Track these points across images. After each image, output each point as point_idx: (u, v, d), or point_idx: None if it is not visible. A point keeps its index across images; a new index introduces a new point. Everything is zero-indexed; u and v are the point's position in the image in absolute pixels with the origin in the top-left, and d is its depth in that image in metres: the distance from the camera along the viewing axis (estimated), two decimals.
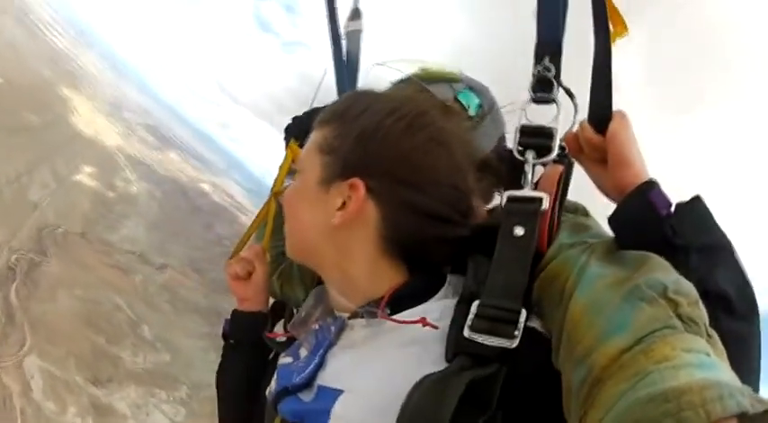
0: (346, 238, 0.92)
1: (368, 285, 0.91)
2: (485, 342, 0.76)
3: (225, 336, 1.28)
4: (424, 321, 0.80)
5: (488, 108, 1.25)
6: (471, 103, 1.23)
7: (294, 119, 1.43)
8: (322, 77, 1.55)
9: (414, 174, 0.90)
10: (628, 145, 0.93)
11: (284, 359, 1.00)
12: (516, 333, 0.75)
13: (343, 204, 0.90)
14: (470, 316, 0.79)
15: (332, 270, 0.95)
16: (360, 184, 0.89)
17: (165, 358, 41.03)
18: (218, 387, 1.26)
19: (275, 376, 0.99)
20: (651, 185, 0.88)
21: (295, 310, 1.11)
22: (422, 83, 1.23)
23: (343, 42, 1.53)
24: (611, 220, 0.90)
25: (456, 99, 1.22)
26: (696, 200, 0.87)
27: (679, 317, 0.63)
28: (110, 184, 62.26)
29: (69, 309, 36.68)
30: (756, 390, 0.63)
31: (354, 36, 1.55)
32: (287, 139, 1.42)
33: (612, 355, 0.62)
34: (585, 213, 1.04)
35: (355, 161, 0.91)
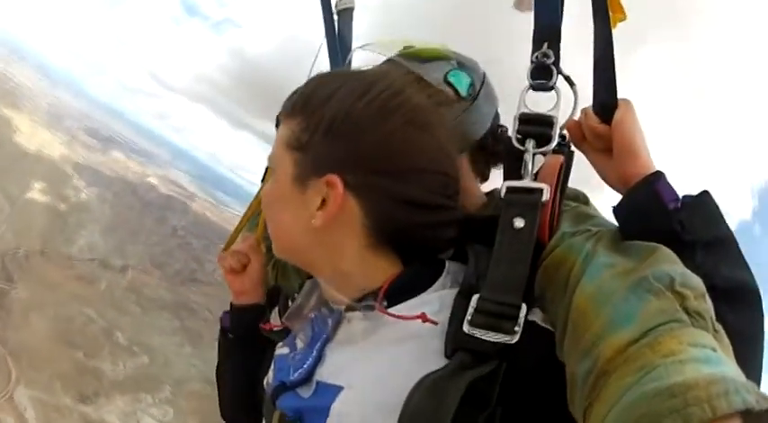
0: (332, 236, 0.86)
1: (362, 279, 0.86)
2: (485, 338, 0.74)
3: (223, 330, 1.26)
4: (423, 317, 0.77)
5: (479, 85, 1.20)
6: (462, 83, 1.17)
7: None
8: (317, 54, 1.47)
9: (393, 162, 0.84)
10: (634, 134, 0.91)
11: (281, 349, 0.98)
12: (516, 329, 0.74)
13: (322, 203, 0.84)
14: (470, 310, 0.77)
15: (323, 268, 0.90)
16: (336, 180, 0.82)
17: (143, 361, 43.99)
18: (218, 381, 1.28)
19: (272, 367, 0.97)
20: (658, 177, 0.87)
21: (290, 301, 1.04)
22: (407, 63, 1.19)
23: (335, 20, 1.51)
24: (617, 211, 0.89)
25: (446, 80, 1.17)
26: (705, 194, 0.86)
27: (686, 310, 0.62)
28: (61, 196, 63.32)
29: (45, 331, 39.63)
30: (759, 385, 0.64)
31: (346, 14, 1.52)
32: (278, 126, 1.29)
33: (618, 348, 0.61)
34: (586, 201, 1.05)
35: (328, 155, 0.84)
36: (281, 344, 0.99)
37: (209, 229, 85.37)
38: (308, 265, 0.93)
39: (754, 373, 0.76)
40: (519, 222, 0.81)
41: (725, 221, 0.86)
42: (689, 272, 0.68)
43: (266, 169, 1.24)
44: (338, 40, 1.48)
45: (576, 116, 0.97)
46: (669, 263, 0.70)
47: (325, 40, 1.47)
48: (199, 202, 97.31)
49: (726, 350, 0.61)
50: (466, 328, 0.75)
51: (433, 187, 0.86)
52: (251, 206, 1.35)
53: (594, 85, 0.95)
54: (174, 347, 49.97)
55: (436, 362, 0.74)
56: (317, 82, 0.92)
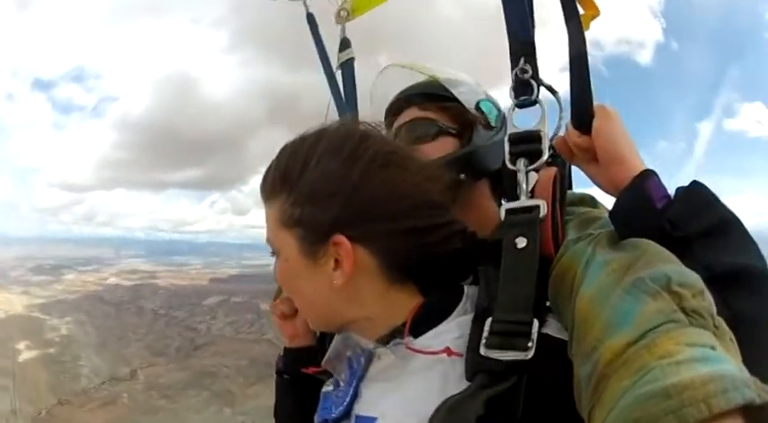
0: (355, 288, 0.89)
1: (386, 319, 0.90)
2: (500, 357, 0.76)
3: (279, 372, 1.30)
4: (448, 351, 0.81)
5: (502, 117, 1.25)
6: (492, 112, 1.24)
7: None
8: (327, 112, 1.53)
9: (383, 205, 0.88)
10: (615, 139, 0.91)
11: (326, 387, 1.02)
12: (530, 344, 0.76)
13: (336, 263, 0.88)
14: (485, 334, 0.80)
15: (355, 320, 0.93)
16: (341, 238, 0.86)
17: None
18: (276, 420, 1.33)
19: (319, 405, 1.01)
20: (645, 177, 0.88)
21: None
22: (446, 88, 1.25)
23: (338, 74, 1.55)
24: (612, 217, 0.90)
25: (477, 107, 1.23)
26: (695, 184, 0.87)
27: (683, 310, 0.62)
28: (45, 343, 65.78)
29: None
30: None
31: (348, 65, 1.58)
32: None
33: (616, 350, 0.61)
34: (594, 204, 1.06)
35: (324, 221, 0.87)
36: (327, 382, 1.03)
37: (183, 295, 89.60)
38: (343, 326, 0.95)
39: (766, 360, 0.73)
40: (521, 242, 0.83)
41: (722, 205, 0.85)
42: (686, 270, 0.68)
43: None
44: (344, 89, 1.56)
45: (564, 124, 0.99)
46: (664, 262, 0.70)
47: (331, 97, 1.55)
48: (163, 276, 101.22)
49: (727, 346, 0.60)
50: (482, 350, 0.78)
51: (424, 212, 0.90)
52: None
53: (571, 96, 0.96)
54: (216, 416, 55.47)
55: (459, 386, 0.77)
56: (287, 154, 0.94)
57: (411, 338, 0.86)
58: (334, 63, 1.60)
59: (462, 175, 1.15)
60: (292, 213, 0.89)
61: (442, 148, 1.19)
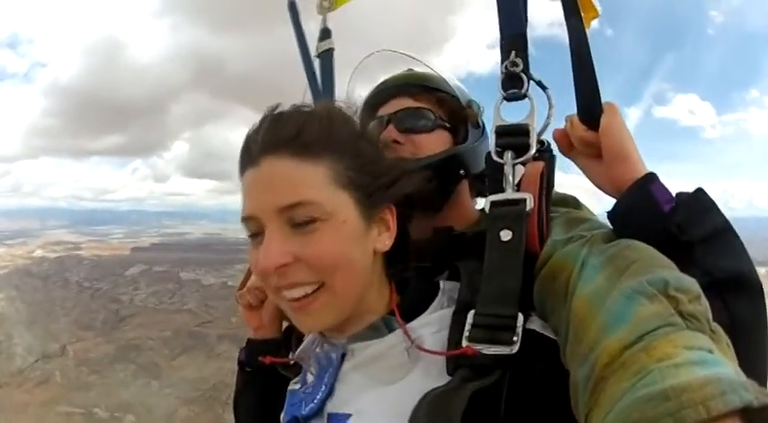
0: (377, 267, 0.91)
1: (371, 310, 0.90)
2: (484, 351, 0.75)
3: (240, 363, 1.30)
4: (469, 350, 0.77)
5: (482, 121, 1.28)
6: (479, 111, 1.27)
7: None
8: (303, 96, 1.49)
9: (400, 188, 0.92)
10: (623, 138, 0.90)
11: (293, 385, 1.00)
12: (515, 339, 0.75)
13: (383, 229, 0.90)
14: (467, 326, 0.78)
15: (356, 304, 0.89)
16: (392, 206, 0.91)
17: (131, 420, 53.80)
18: (235, 411, 1.32)
19: (286, 403, 0.99)
20: (651, 179, 0.87)
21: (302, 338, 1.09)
22: (445, 81, 1.28)
23: (316, 63, 1.53)
24: (612, 216, 0.89)
25: (469, 105, 1.27)
26: (699, 191, 0.86)
27: (680, 314, 0.62)
28: None
29: None
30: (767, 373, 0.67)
31: (327, 56, 1.56)
32: None
33: (614, 352, 0.61)
34: (576, 204, 1.06)
35: (380, 187, 0.89)
36: (294, 380, 1.02)
37: (107, 266, 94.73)
38: (351, 312, 0.90)
39: (761, 363, 0.78)
40: (506, 235, 0.83)
41: (719, 212, 0.85)
42: (683, 275, 0.68)
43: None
44: (322, 79, 1.51)
45: (553, 120, 0.97)
46: (661, 267, 0.70)
47: (307, 85, 1.50)
48: (86, 247, 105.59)
49: (724, 350, 0.61)
50: (465, 344, 0.77)
51: (413, 180, 0.94)
52: None
53: (576, 92, 0.94)
54: (144, 389, 59.81)
55: (438, 380, 0.76)
56: (325, 116, 0.91)
57: (396, 327, 0.87)
58: (313, 52, 1.56)
59: (462, 171, 1.19)
60: (349, 176, 0.87)
61: (437, 140, 1.22)
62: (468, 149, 1.20)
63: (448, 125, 1.23)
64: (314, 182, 0.84)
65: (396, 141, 1.16)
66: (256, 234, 0.86)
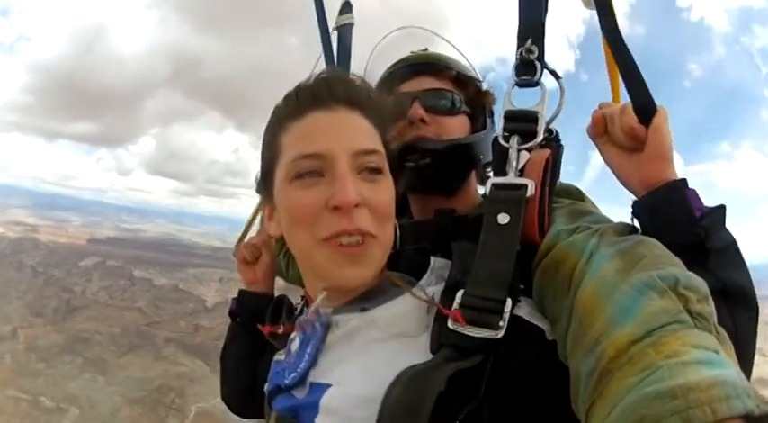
0: None
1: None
2: (469, 333, 0.75)
3: (231, 314, 1.32)
4: (458, 314, 0.77)
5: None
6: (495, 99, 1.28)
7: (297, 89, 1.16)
8: (315, 66, 1.47)
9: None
10: (670, 140, 0.91)
11: (278, 356, 1.00)
12: (501, 323, 0.74)
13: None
14: (455, 306, 0.78)
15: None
16: None
17: (75, 413, 56.30)
18: (221, 361, 1.34)
19: (270, 373, 0.99)
20: (686, 184, 0.88)
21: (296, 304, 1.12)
22: (470, 67, 1.30)
23: (334, 36, 1.52)
24: (639, 208, 0.90)
25: (488, 91, 1.29)
26: (721, 207, 0.88)
27: (689, 312, 0.62)
28: None
29: None
30: (749, 376, 0.71)
31: (346, 30, 1.54)
32: None
33: (621, 346, 0.61)
34: (580, 196, 1.05)
35: (394, 164, 0.94)
36: (279, 352, 1.01)
37: (62, 253, 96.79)
38: (382, 266, 0.90)
39: (748, 368, 0.80)
40: (503, 218, 0.82)
41: (728, 229, 0.89)
42: (693, 274, 0.68)
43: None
44: (339, 53, 1.52)
45: (563, 110, 0.97)
46: (672, 264, 0.70)
47: (322, 54, 1.50)
48: (44, 232, 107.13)
49: (728, 352, 0.61)
50: (450, 324, 0.76)
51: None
52: (259, 202, 1.41)
53: (628, 89, 0.95)
54: (89, 384, 61.97)
55: (421, 357, 0.75)
56: (362, 79, 0.97)
57: (379, 302, 0.87)
58: (332, 25, 1.54)
59: (482, 156, 1.20)
60: (388, 149, 0.92)
61: (459, 124, 1.22)
62: (486, 137, 1.21)
63: (468, 109, 1.25)
64: (379, 142, 0.90)
65: (422, 120, 1.18)
66: (312, 173, 0.84)
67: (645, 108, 0.92)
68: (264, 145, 0.95)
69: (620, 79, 0.98)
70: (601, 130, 0.98)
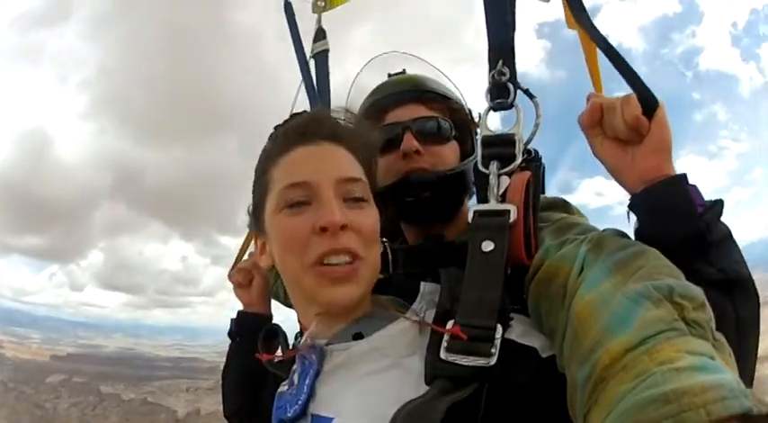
0: None
1: (360, 306, 0.91)
2: (462, 363, 0.75)
3: (230, 335, 1.34)
4: (457, 330, 0.79)
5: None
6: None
7: (277, 128, 1.20)
8: (296, 96, 1.50)
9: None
10: (670, 134, 0.90)
11: (282, 388, 0.99)
12: (493, 350, 0.74)
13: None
14: (445, 336, 0.78)
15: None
16: None
17: None
18: (223, 382, 1.35)
19: (274, 406, 0.98)
20: (687, 180, 0.88)
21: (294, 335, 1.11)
22: (455, 92, 1.29)
23: (311, 63, 1.53)
24: (639, 202, 0.89)
25: (472, 117, 1.29)
26: (720, 201, 0.88)
27: (684, 320, 0.62)
28: None
29: None
30: (755, 366, 0.74)
31: (322, 56, 1.55)
32: None
33: (616, 354, 0.61)
34: (566, 208, 1.06)
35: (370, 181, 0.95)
36: (283, 383, 1.00)
37: (28, 370, 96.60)
38: (369, 289, 0.93)
39: (752, 363, 0.82)
40: (488, 246, 0.83)
41: (723, 222, 0.88)
42: (689, 283, 0.68)
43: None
44: (317, 81, 1.53)
45: (540, 129, 0.98)
46: (668, 275, 0.70)
47: (302, 83, 1.51)
48: (8, 347, 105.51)
49: (726, 360, 0.60)
50: (443, 354, 0.77)
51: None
52: (249, 232, 1.45)
53: (629, 84, 0.93)
54: None
55: (417, 389, 0.76)
56: (347, 111, 1.04)
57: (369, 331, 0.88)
58: (308, 53, 1.55)
59: (474, 182, 1.16)
60: (371, 181, 0.95)
61: (452, 151, 1.23)
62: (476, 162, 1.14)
63: (457, 135, 1.25)
64: (362, 173, 0.94)
65: (417, 152, 1.17)
66: (299, 203, 0.88)
67: (647, 101, 0.91)
68: (255, 180, 1.00)
69: (599, 74, 1.05)
70: (595, 120, 0.94)
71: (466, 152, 1.27)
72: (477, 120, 1.25)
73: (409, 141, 1.18)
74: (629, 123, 0.91)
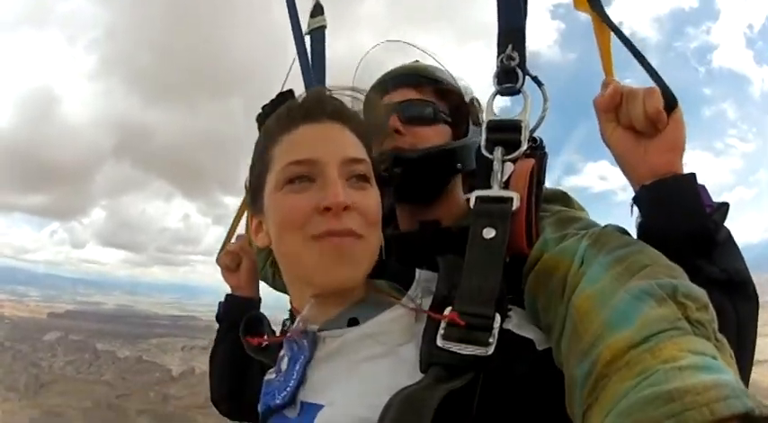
0: None
1: (355, 291, 0.88)
2: (459, 351, 0.73)
3: (218, 318, 1.34)
4: (455, 316, 0.75)
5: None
6: (480, 109, 1.21)
7: (264, 108, 1.23)
8: (288, 71, 1.46)
9: None
10: (685, 134, 0.89)
11: (269, 375, 0.96)
12: (491, 340, 0.73)
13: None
14: (442, 324, 0.76)
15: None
16: None
17: None
18: (210, 365, 1.34)
19: (261, 393, 0.95)
20: (696, 180, 0.87)
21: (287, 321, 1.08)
22: (451, 76, 1.25)
23: (307, 39, 1.49)
24: (646, 195, 0.88)
25: (472, 102, 1.24)
26: (726, 204, 0.88)
27: (688, 319, 0.62)
28: None
29: None
30: (751, 366, 0.74)
31: (318, 33, 1.52)
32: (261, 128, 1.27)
33: (618, 351, 0.60)
34: (567, 201, 1.05)
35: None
36: (270, 370, 0.98)
37: (25, 328, 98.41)
38: (369, 270, 0.87)
39: (749, 365, 0.83)
40: (489, 232, 0.82)
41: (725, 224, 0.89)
42: (692, 284, 0.68)
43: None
44: (313, 57, 1.49)
45: (547, 117, 0.96)
46: (672, 274, 0.70)
47: (296, 57, 1.47)
48: (7, 306, 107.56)
49: (727, 361, 0.60)
50: (439, 341, 0.75)
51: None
52: (240, 208, 1.46)
53: (653, 76, 0.93)
54: None
55: (412, 376, 0.74)
56: (352, 92, 1.00)
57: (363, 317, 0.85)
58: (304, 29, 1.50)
59: (459, 165, 1.16)
60: (364, 147, 0.91)
61: (438, 133, 1.19)
62: (465, 144, 1.17)
63: (449, 119, 1.21)
64: (365, 154, 0.91)
65: (397, 131, 1.16)
66: (302, 180, 0.85)
67: (668, 99, 0.89)
68: (254, 160, 0.98)
69: (611, 61, 1.02)
70: (613, 105, 0.92)
71: (460, 136, 1.22)
72: (477, 104, 1.25)
73: (393, 121, 1.17)
74: (649, 115, 0.88)
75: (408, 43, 1.36)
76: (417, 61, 1.33)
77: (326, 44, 1.52)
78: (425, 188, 1.16)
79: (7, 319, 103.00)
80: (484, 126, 0.94)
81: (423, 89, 1.22)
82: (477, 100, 1.25)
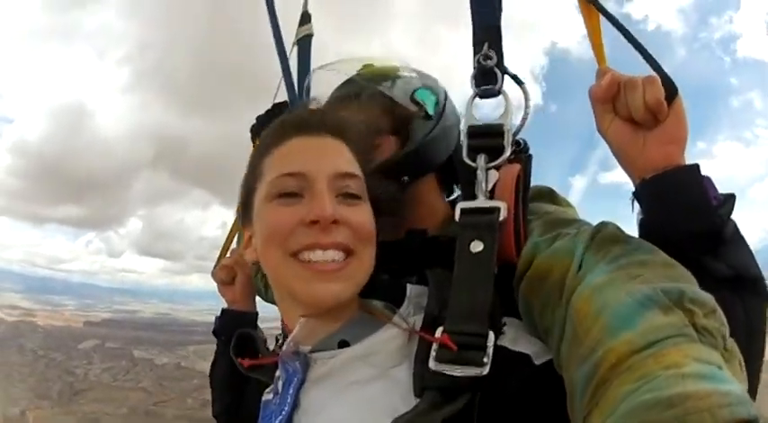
0: None
1: (347, 311, 0.86)
2: (452, 373, 0.71)
3: (216, 333, 1.33)
4: (447, 339, 0.73)
5: (443, 103, 1.18)
6: (429, 101, 1.15)
7: (258, 118, 1.31)
8: (279, 82, 1.45)
9: None
10: (687, 125, 0.86)
11: (267, 396, 0.97)
12: (485, 360, 0.70)
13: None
14: (434, 346, 0.73)
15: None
16: None
17: None
18: (210, 379, 1.35)
19: (260, 415, 0.95)
20: (700, 172, 0.84)
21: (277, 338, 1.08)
22: (369, 83, 1.18)
23: (294, 49, 1.49)
24: (647, 190, 0.85)
25: (412, 98, 1.15)
26: (731, 194, 0.85)
27: (694, 326, 0.60)
28: None
29: None
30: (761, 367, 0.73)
31: (305, 41, 1.51)
32: (254, 139, 1.37)
33: (621, 356, 0.59)
34: (553, 198, 1.04)
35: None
36: (267, 390, 0.97)
37: (60, 337, 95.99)
38: (360, 288, 0.85)
39: (759, 364, 0.79)
40: (477, 246, 0.78)
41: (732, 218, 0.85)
42: (699, 289, 0.66)
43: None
44: (299, 66, 1.50)
45: (529, 117, 0.92)
46: (677, 278, 0.68)
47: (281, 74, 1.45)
48: (40, 315, 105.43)
49: (735, 370, 0.59)
50: (432, 364, 0.72)
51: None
52: (232, 228, 1.52)
53: (652, 65, 0.90)
54: None
55: (406, 399, 0.73)
56: (342, 111, 0.98)
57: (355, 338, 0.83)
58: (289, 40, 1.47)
59: (405, 178, 1.11)
60: (357, 164, 0.89)
61: (385, 149, 1.13)
62: (407, 153, 1.13)
63: (389, 130, 1.16)
64: (358, 169, 0.88)
65: None
66: (291, 194, 0.82)
67: (669, 89, 0.86)
68: (246, 172, 0.95)
69: (603, 47, 1.00)
70: (610, 95, 0.89)
71: (407, 138, 1.17)
72: (424, 101, 1.19)
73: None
74: (649, 105, 0.86)
75: (333, 69, 1.31)
76: (372, 64, 1.30)
77: (331, 49, 1.44)
78: (387, 201, 1.04)
79: (41, 328, 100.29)
80: (464, 133, 0.89)
81: (357, 108, 1.16)
82: (425, 91, 1.18)
